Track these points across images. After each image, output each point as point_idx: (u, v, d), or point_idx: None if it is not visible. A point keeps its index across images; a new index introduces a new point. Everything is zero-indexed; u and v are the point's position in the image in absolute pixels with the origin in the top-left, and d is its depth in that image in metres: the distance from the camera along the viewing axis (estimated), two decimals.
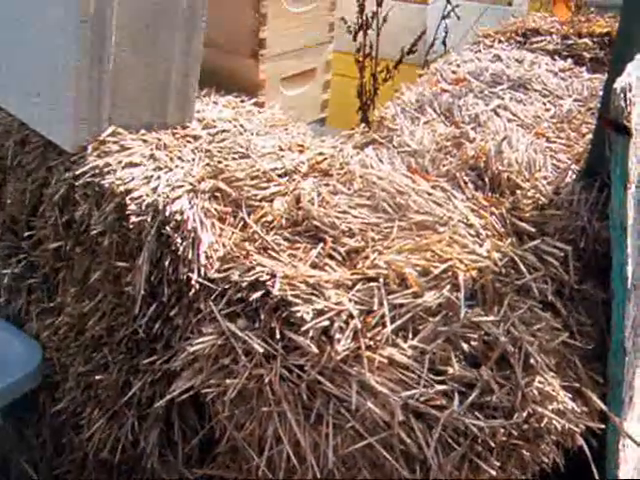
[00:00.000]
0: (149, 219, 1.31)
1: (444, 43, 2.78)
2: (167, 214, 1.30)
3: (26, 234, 1.60)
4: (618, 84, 1.21)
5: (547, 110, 1.79)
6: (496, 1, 3.76)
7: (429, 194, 1.37)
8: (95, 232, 1.38)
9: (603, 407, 1.25)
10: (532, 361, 1.19)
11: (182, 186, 1.35)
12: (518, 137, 1.56)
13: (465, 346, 1.17)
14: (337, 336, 1.15)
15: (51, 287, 1.58)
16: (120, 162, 1.39)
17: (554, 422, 1.17)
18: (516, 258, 1.30)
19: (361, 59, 2.43)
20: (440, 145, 1.53)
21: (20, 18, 1.48)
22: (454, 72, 1.93)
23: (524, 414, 1.15)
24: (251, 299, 1.22)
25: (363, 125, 1.66)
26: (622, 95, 1.19)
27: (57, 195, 1.46)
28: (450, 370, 1.14)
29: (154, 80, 1.50)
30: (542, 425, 1.16)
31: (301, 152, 1.60)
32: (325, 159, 1.54)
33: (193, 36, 1.50)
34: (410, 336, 1.17)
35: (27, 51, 1.49)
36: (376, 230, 1.31)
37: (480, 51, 2.29)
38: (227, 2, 1.94)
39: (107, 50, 1.38)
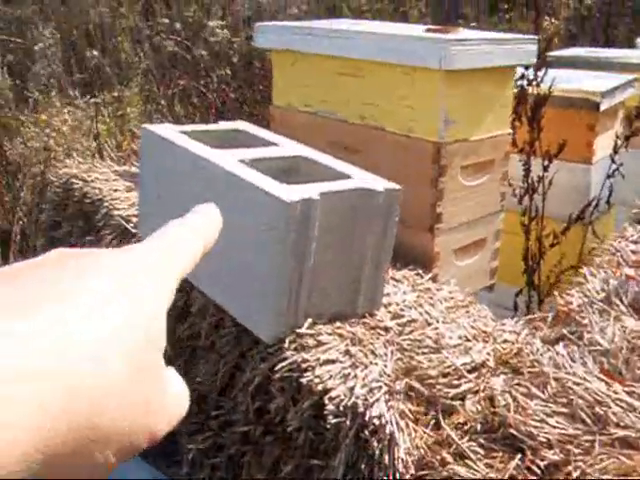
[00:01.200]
0: (348, 421, 1.34)
1: (608, 202, 2.77)
2: (366, 418, 1.33)
3: (214, 413, 1.65)
4: None
5: None
6: None
7: (628, 404, 1.35)
8: (291, 428, 1.41)
9: None
10: None
11: (379, 387, 1.38)
12: None
13: None
14: None
15: (236, 468, 1.62)
16: (318, 359, 1.43)
17: None
18: None
19: (527, 222, 2.44)
20: (632, 344, 1.52)
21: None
22: (634, 252, 1.92)
23: None
24: None
25: (550, 315, 1.66)
26: None
27: (252, 385, 1.51)
28: None
29: (347, 274, 1.54)
30: None
31: (485, 341, 1.60)
32: (512, 351, 1.55)
33: (387, 231, 1.55)
34: None
35: (226, 242, 1.56)
36: (575, 443, 1.29)
37: None
38: (404, 177, 1.99)
39: (309, 250, 1.44)
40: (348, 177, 1.59)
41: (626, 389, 1.40)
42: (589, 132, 2.77)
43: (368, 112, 2.16)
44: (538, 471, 1.26)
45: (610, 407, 1.34)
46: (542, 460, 1.27)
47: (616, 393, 1.38)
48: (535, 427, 1.32)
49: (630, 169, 2.94)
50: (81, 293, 0.35)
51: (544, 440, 1.30)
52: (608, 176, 2.74)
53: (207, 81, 4.43)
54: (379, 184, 1.54)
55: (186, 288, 1.74)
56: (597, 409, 1.34)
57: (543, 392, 1.40)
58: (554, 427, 1.32)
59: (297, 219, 1.40)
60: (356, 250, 1.53)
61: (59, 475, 0.34)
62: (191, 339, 1.75)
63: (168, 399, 0.39)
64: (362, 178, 1.58)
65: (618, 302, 1.66)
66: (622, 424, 1.31)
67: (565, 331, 1.57)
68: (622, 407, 1.35)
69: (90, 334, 0.34)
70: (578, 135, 2.73)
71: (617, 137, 2.80)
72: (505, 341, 1.61)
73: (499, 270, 2.42)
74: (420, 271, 1.97)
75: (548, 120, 2.55)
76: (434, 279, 1.97)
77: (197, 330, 1.72)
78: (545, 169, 2.48)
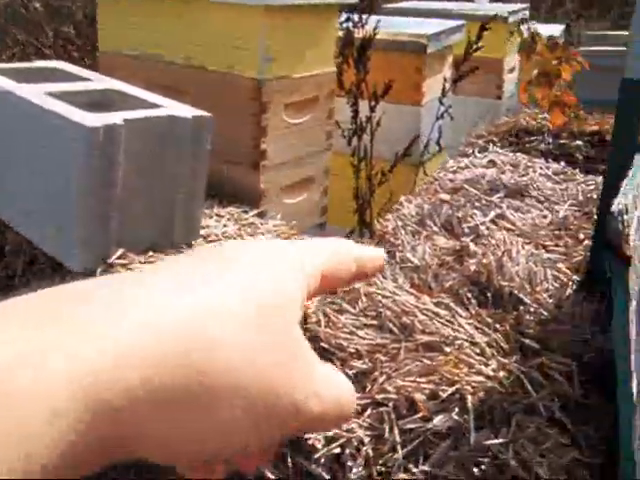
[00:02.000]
0: None
1: (438, 143, 2.84)
2: None
3: None
4: (615, 206, 1.24)
5: (544, 217, 1.83)
6: (485, 95, 3.86)
7: (434, 313, 1.40)
8: None
9: None
10: None
11: None
12: (518, 249, 1.59)
13: (475, 470, 1.18)
14: (349, 463, 1.16)
15: None
16: None
17: None
18: (522, 376, 1.31)
19: (356, 163, 2.47)
20: (442, 260, 1.56)
21: (28, 144, 1.52)
22: (451, 180, 1.97)
23: None
24: None
25: (367, 240, 1.69)
26: (619, 218, 1.22)
27: None
28: None
29: (160, 202, 1.53)
30: None
31: None
32: None
33: (199, 157, 1.54)
34: (421, 461, 1.18)
35: (36, 174, 1.52)
36: (383, 352, 1.32)
37: (474, 153, 2.35)
38: (228, 115, 1.99)
39: (116, 177, 1.41)
40: (158, 107, 1.57)
41: (434, 300, 1.45)
42: (417, 74, 2.83)
43: (192, 52, 2.13)
44: None
45: (417, 316, 1.38)
46: (351, 369, 1.30)
47: (424, 304, 1.43)
48: (345, 339, 1.35)
49: (459, 115, 3.03)
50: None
51: (353, 351, 1.33)
52: (437, 118, 2.81)
53: (43, 37, 4.28)
54: (187, 111, 1.53)
55: (0, 228, 1.69)
56: (404, 319, 1.38)
57: (354, 307, 1.43)
58: (363, 338, 1.35)
59: (100, 145, 1.38)
60: (167, 178, 1.52)
61: (179, 417, 0.32)
62: (7, 279, 1.70)
63: (316, 376, 0.37)
64: (171, 107, 1.56)
65: (431, 224, 1.71)
66: (427, 331, 1.36)
67: None
68: (428, 316, 1.39)
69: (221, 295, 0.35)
70: (407, 77, 2.79)
71: (445, 80, 2.87)
72: None
73: (332, 213, 2.45)
74: (247, 208, 1.97)
75: (378, 64, 2.59)
76: (261, 215, 1.98)
77: (14, 269, 1.67)
78: (372, 110, 2.53)
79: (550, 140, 2.50)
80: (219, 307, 0.34)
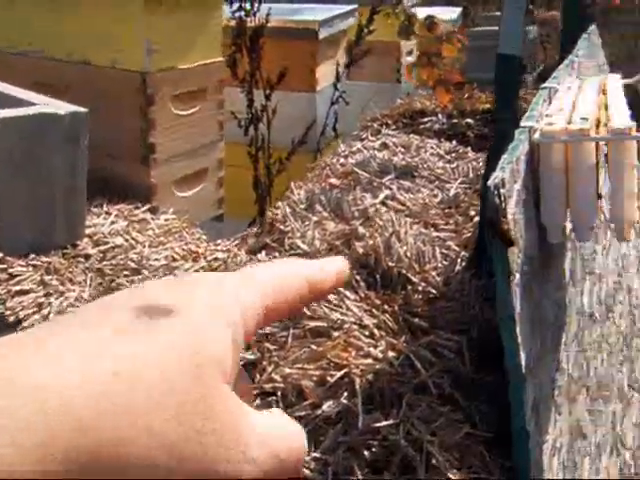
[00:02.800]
0: None
1: (334, 129, 2.83)
2: None
3: None
4: (491, 181, 1.24)
5: (435, 196, 1.84)
6: (385, 79, 3.87)
7: None
8: None
9: None
10: (434, 461, 1.20)
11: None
12: (407, 229, 1.59)
13: (366, 453, 1.17)
14: None
15: None
16: (9, 291, 1.37)
17: None
18: (411, 355, 1.32)
19: (254, 152, 2.45)
20: (331, 245, 1.56)
21: None
22: (342, 165, 1.97)
23: None
24: None
25: (256, 229, 1.68)
26: (495, 192, 1.23)
27: None
28: (353, 479, 1.14)
29: (39, 201, 1.49)
30: None
31: (195, 260, 1.60)
32: (220, 266, 1.55)
33: (76, 154, 1.50)
34: (312, 448, 1.17)
35: None
36: (272, 340, 1.31)
37: (367, 138, 2.35)
38: (114, 110, 1.95)
39: None
40: (32, 104, 1.52)
41: None
42: (310, 61, 2.82)
43: (74, 47, 2.08)
44: None
45: None
46: (240, 361, 1.28)
47: None
48: None
49: (359, 100, 3.03)
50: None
51: None
52: (332, 103, 2.81)
53: None
54: (63, 108, 1.49)
55: None
56: None
57: None
58: None
59: None
60: (44, 177, 1.48)
61: None
62: None
63: (250, 439, 0.32)
64: (46, 104, 1.52)
65: (321, 209, 1.70)
66: (315, 316, 1.35)
67: (268, 240, 1.59)
68: (316, 302, 1.38)
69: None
70: (300, 64, 2.78)
71: (339, 65, 2.87)
72: (216, 259, 1.61)
73: (232, 204, 2.43)
74: (139, 204, 1.93)
75: (272, 52, 2.57)
76: (153, 211, 1.94)
77: None
78: (267, 98, 2.51)
79: (444, 120, 2.52)
80: (129, 374, 0.30)
